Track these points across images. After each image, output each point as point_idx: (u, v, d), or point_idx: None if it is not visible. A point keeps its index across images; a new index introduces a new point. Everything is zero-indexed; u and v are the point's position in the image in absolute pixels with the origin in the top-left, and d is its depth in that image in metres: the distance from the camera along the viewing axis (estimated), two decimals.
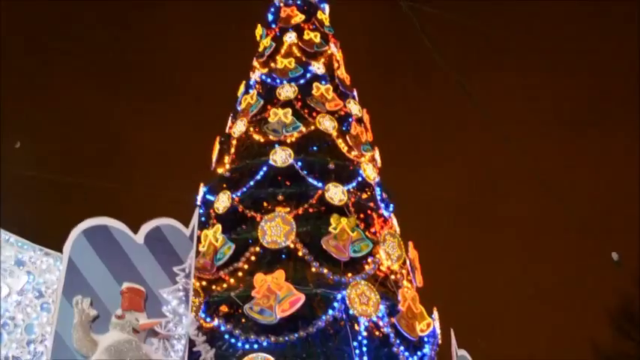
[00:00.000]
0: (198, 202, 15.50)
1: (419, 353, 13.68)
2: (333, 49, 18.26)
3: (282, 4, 18.96)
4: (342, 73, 18.18)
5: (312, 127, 15.84)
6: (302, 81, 16.84)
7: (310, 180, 14.86)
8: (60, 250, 7.22)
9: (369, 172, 15.75)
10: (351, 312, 12.91)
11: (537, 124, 33.41)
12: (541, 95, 35.25)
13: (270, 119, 15.87)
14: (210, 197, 15.54)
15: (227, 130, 17.14)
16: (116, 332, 6.97)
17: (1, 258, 6.91)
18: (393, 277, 14.58)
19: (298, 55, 17.59)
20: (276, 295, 12.50)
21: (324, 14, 19.19)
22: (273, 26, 18.76)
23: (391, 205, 16.13)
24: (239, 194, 15.02)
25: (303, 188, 14.87)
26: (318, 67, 17.19)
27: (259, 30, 18.84)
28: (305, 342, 12.83)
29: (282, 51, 17.80)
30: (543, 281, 29.13)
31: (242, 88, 17.82)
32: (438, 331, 14.24)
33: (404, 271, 14.97)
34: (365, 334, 13.00)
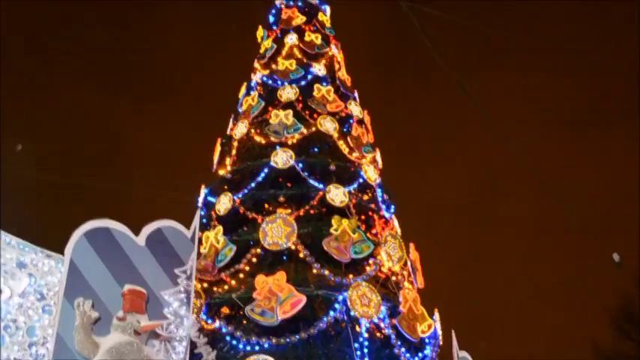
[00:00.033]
0: (200, 204, 15.51)
1: (420, 354, 13.69)
2: (334, 50, 18.27)
3: (283, 6, 18.97)
4: (343, 74, 18.19)
5: (313, 129, 15.85)
6: (303, 82, 16.85)
7: (311, 181, 14.87)
8: (61, 251, 7.23)
9: (370, 173, 15.75)
10: (352, 313, 12.91)
11: (537, 124, 33.48)
12: (541, 95, 35.28)
13: (271, 121, 15.89)
14: (211, 199, 15.55)
15: (228, 132, 17.15)
16: (117, 334, 6.96)
17: (2, 260, 6.92)
18: (394, 278, 14.58)
19: (299, 56, 17.61)
20: (277, 297, 12.50)
21: (325, 16, 19.20)
22: (274, 28, 18.77)
23: (392, 207, 16.13)
24: (240, 196, 15.03)
25: (304, 190, 14.88)
26: (319, 69, 17.20)
27: (260, 31, 18.86)
28: (306, 343, 12.85)
29: (283, 52, 17.82)
30: (543, 281, 29.19)
31: (243, 90, 17.84)
32: (439, 332, 14.23)
33: (405, 273, 14.97)
34: (366, 335, 13.01)
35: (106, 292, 7.14)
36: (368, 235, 14.41)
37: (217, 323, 13.02)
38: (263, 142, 15.94)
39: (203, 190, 15.91)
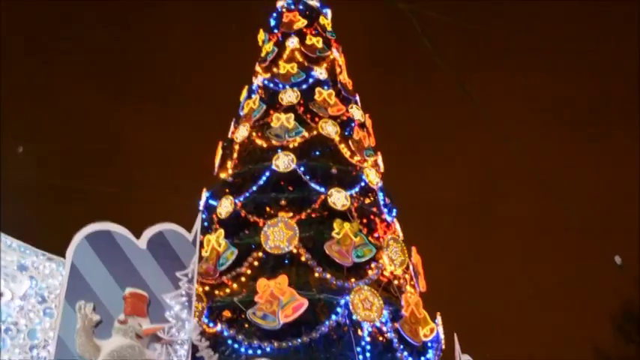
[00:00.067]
0: (201, 207, 15.50)
1: (422, 358, 13.66)
2: (335, 54, 18.29)
3: (284, 10, 19.00)
4: (344, 77, 18.20)
5: (315, 132, 15.84)
6: (304, 86, 16.86)
7: (313, 185, 14.85)
8: (62, 254, 7.21)
9: (372, 177, 15.73)
10: (354, 317, 12.89)
11: (537, 124, 33.45)
12: (541, 95, 35.29)
13: (272, 124, 15.89)
14: (212, 202, 15.54)
15: (230, 135, 17.15)
16: (119, 337, 6.94)
17: (3, 263, 6.90)
18: (396, 282, 14.56)
19: (300, 60, 17.63)
20: (279, 301, 12.48)
21: (326, 19, 19.22)
22: (276, 31, 18.79)
23: (394, 210, 16.11)
24: (242, 199, 15.01)
25: (306, 193, 14.86)
26: (320, 72, 17.21)
27: (261, 35, 18.87)
28: (308, 347, 12.81)
29: (285, 56, 17.83)
30: (543, 281, 29.16)
31: (244, 93, 17.84)
32: (442, 336, 14.19)
33: (407, 276, 14.94)
34: (368, 339, 12.98)
35: (107, 295, 7.12)
36: (370, 238, 14.39)
37: (219, 327, 12.99)
38: (264, 145, 15.94)
39: (204, 194, 15.91)
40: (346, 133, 16.51)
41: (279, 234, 13.65)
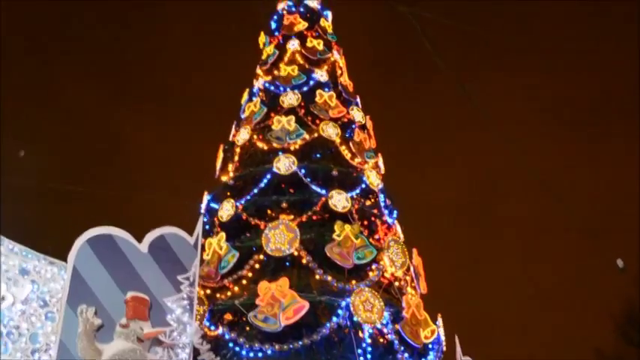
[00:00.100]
0: (202, 210, 15.52)
1: None
2: (336, 56, 18.30)
3: (285, 12, 19.00)
4: (345, 80, 18.21)
5: (316, 135, 15.86)
6: (305, 88, 16.87)
7: (314, 187, 14.86)
8: (63, 258, 7.23)
9: (373, 178, 15.74)
10: (355, 319, 12.90)
11: (537, 124, 33.43)
12: (541, 95, 35.29)
13: (273, 127, 15.90)
14: (214, 205, 15.55)
15: (231, 138, 17.16)
16: (120, 341, 6.97)
17: (5, 267, 6.92)
18: (397, 283, 14.57)
19: (301, 62, 17.63)
20: (280, 303, 12.49)
21: (326, 22, 19.23)
22: (276, 34, 18.79)
23: (395, 212, 16.12)
24: (243, 202, 15.03)
25: (307, 195, 14.87)
26: (321, 75, 17.22)
27: (262, 37, 18.88)
28: (309, 350, 12.82)
29: (286, 58, 17.84)
30: (543, 281, 29.16)
31: (245, 96, 17.85)
32: (443, 337, 14.20)
33: (408, 278, 14.95)
34: (369, 341, 12.99)
35: (108, 299, 7.15)
36: (371, 240, 14.40)
37: (220, 330, 13.01)
38: (265, 148, 15.95)
39: (206, 197, 15.92)
40: (347, 135, 16.52)
41: (280, 236, 13.67)
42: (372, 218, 15.58)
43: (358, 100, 17.96)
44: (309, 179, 14.96)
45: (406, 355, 13.33)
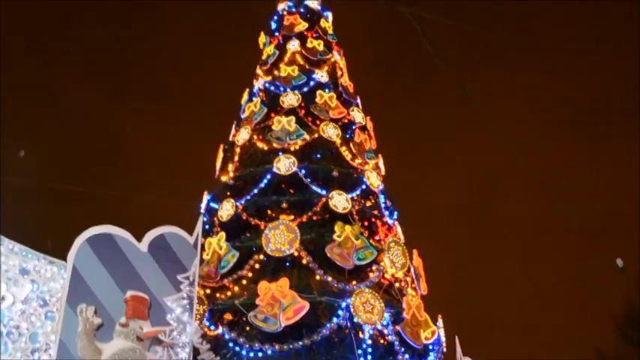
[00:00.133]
0: (202, 210, 15.51)
1: None
2: (336, 56, 18.30)
3: (285, 12, 19.00)
4: (345, 80, 18.21)
5: (316, 135, 15.85)
6: (305, 89, 16.86)
7: (314, 188, 14.86)
8: (63, 257, 7.22)
9: (373, 179, 15.73)
10: (355, 320, 12.88)
11: (537, 124, 33.44)
12: (541, 95, 35.32)
13: (273, 127, 15.90)
14: (214, 205, 15.55)
15: (231, 138, 17.16)
16: (120, 340, 6.96)
17: (5, 267, 6.91)
18: (397, 284, 14.56)
19: (302, 62, 17.63)
20: (280, 303, 12.48)
21: (327, 22, 19.22)
22: (277, 34, 18.79)
23: (395, 213, 16.11)
24: (243, 202, 15.03)
25: (307, 196, 14.87)
26: (321, 75, 17.22)
27: (262, 38, 18.88)
28: (309, 350, 12.81)
29: (286, 59, 17.84)
30: (543, 281, 29.20)
31: (245, 96, 17.85)
32: (443, 338, 14.19)
33: (408, 279, 14.95)
34: (369, 342, 12.98)
35: (108, 298, 7.14)
36: (371, 241, 14.39)
37: (220, 330, 13.00)
38: (265, 148, 15.95)
39: (206, 196, 15.92)
40: (347, 136, 16.53)
41: (281, 237, 13.66)
42: (373, 219, 15.57)
43: (358, 100, 17.95)
44: (309, 180, 14.95)
45: (407, 356, 13.32)
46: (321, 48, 18.02)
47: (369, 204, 15.78)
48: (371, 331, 13.09)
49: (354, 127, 16.77)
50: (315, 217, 14.61)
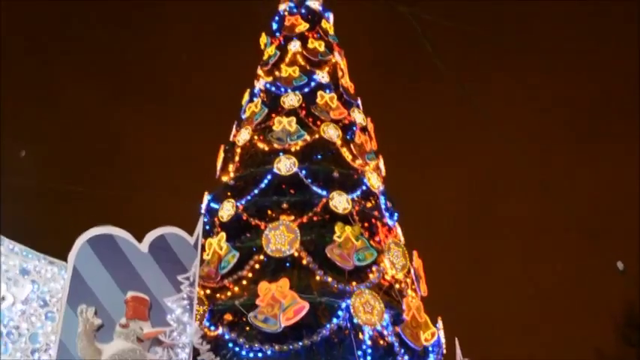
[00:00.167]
0: (203, 211, 15.51)
1: None
2: (337, 57, 18.30)
3: (286, 13, 19.01)
4: (346, 81, 18.22)
5: (317, 136, 15.86)
6: (306, 89, 16.87)
7: (314, 188, 14.86)
8: (63, 258, 7.22)
9: (374, 180, 15.73)
10: (355, 321, 12.88)
11: (537, 124, 33.50)
12: (541, 95, 35.35)
13: (274, 128, 15.90)
14: (214, 205, 15.55)
15: (231, 139, 17.17)
16: (120, 341, 6.95)
17: (5, 267, 6.91)
18: (397, 286, 14.55)
19: (302, 63, 17.64)
20: (280, 304, 12.48)
21: (328, 23, 19.24)
22: (278, 35, 18.81)
23: (395, 214, 16.11)
24: (243, 202, 15.02)
25: (308, 197, 14.87)
26: (322, 76, 17.22)
27: (263, 38, 18.90)
28: (309, 351, 12.82)
29: (287, 59, 17.84)
30: (543, 281, 29.24)
31: (246, 97, 17.86)
32: (443, 340, 14.19)
33: (408, 280, 14.94)
34: (369, 343, 12.97)
35: (108, 298, 7.13)
36: (371, 242, 14.39)
37: (220, 330, 13.00)
38: (266, 148, 15.96)
39: (206, 197, 15.92)
40: (348, 137, 16.53)
41: (281, 237, 13.66)
42: (373, 220, 15.57)
43: (359, 101, 17.96)
44: (309, 180, 14.95)
45: (406, 357, 13.32)
46: (322, 49, 18.03)
47: (369, 205, 15.78)
48: (371, 332, 13.09)
49: (354, 128, 16.77)
50: (315, 218, 14.61)
